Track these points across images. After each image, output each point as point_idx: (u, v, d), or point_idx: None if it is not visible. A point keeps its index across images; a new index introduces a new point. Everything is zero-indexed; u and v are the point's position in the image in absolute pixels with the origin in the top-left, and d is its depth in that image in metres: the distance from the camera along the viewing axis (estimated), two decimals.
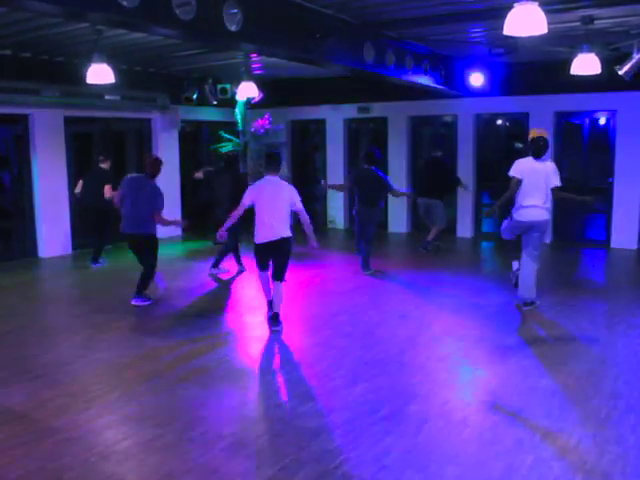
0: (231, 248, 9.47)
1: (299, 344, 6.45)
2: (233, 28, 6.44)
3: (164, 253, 11.85)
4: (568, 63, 8.54)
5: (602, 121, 11.94)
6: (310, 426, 4.43)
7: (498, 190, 13.02)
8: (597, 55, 8.29)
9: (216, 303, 8.18)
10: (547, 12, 5.71)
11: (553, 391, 5.06)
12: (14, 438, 4.30)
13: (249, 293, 8.55)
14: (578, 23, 7.85)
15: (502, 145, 13.04)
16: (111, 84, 8.69)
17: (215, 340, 6.56)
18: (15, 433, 4.38)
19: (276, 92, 13.39)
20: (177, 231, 13.46)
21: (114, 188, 9.28)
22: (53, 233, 11.16)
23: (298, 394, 5.07)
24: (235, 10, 6.40)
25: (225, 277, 9.44)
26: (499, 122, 13.10)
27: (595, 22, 7.83)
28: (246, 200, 6.67)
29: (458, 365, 5.76)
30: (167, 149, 13.14)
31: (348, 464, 3.87)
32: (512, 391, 5.08)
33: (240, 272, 9.61)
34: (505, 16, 5.82)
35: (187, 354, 6.07)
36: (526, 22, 5.59)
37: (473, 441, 4.18)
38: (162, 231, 13.10)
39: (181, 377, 5.43)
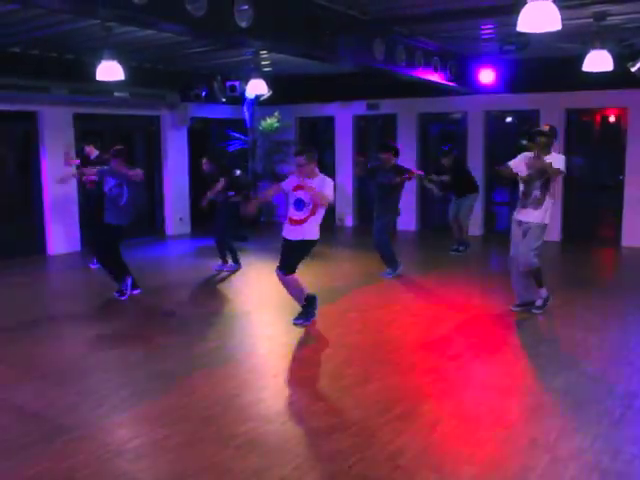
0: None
1: (309, 342, 6.41)
2: (244, 25, 6.44)
3: (172, 250, 11.88)
4: (579, 60, 8.48)
5: (613, 118, 11.86)
6: (322, 425, 4.41)
7: (508, 187, 13.09)
8: (609, 52, 8.23)
9: (225, 301, 8.17)
10: (560, 8, 5.65)
11: (566, 390, 5.01)
12: (25, 437, 4.28)
13: (257, 291, 8.53)
14: (591, 19, 7.79)
15: (512, 142, 12.96)
16: (120, 81, 8.70)
17: (224, 338, 6.54)
18: (26, 432, 4.36)
19: (284, 89, 13.36)
20: (186, 228, 13.49)
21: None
22: (61, 230, 11.18)
23: (309, 393, 5.05)
24: (246, 6, 6.39)
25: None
26: (509, 119, 13.04)
27: (608, 18, 7.78)
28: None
29: (470, 364, 5.71)
30: (176, 146, 13.16)
31: (362, 464, 3.83)
32: (525, 390, 5.04)
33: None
34: (516, 12, 5.78)
35: (197, 352, 6.05)
36: (540, 18, 5.54)
37: (488, 440, 4.14)
38: (170, 227, 13.20)
39: (191, 375, 5.41)
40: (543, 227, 6.89)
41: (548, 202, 6.83)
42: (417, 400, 4.82)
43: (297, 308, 6.91)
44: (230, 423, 4.46)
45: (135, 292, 8.05)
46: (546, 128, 6.80)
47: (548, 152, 6.78)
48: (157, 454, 4.05)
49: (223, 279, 9.21)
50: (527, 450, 3.99)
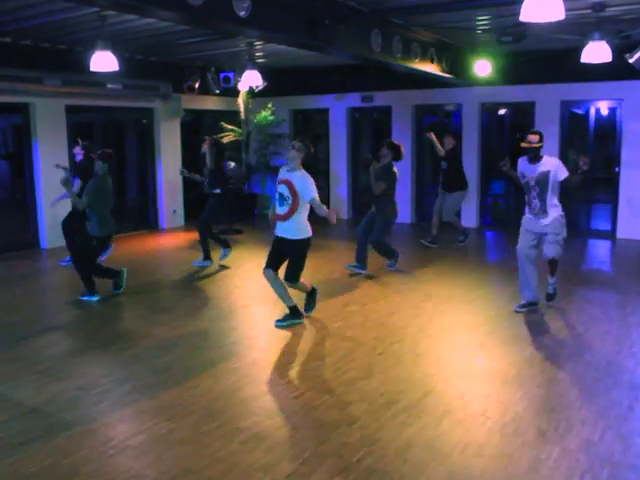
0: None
1: (310, 336, 6.36)
2: (242, 14, 6.35)
3: (167, 243, 11.78)
4: (575, 51, 8.43)
5: (609, 110, 11.84)
6: (328, 419, 4.35)
7: (502, 179, 13.06)
8: (607, 43, 8.18)
9: (223, 294, 8.10)
10: None
11: (572, 382, 4.99)
12: (26, 433, 4.20)
13: (257, 285, 8.46)
14: (589, 10, 7.75)
15: (507, 135, 12.95)
16: (113, 73, 8.60)
17: (224, 332, 6.48)
18: (27, 428, 4.29)
19: (278, 81, 13.24)
20: (180, 221, 13.39)
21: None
22: (55, 224, 11.03)
23: (313, 386, 4.98)
24: None
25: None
26: (504, 111, 12.99)
27: (606, 9, 7.74)
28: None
29: (473, 356, 5.68)
30: (169, 138, 13.03)
31: (371, 457, 3.78)
32: (531, 382, 5.00)
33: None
34: (513, 3, 5.72)
35: (196, 346, 5.98)
36: (543, 8, 5.48)
37: (496, 433, 4.10)
38: (163, 220, 13.09)
39: (192, 369, 5.35)
40: (563, 222, 6.73)
41: (553, 205, 6.68)
42: (422, 393, 4.78)
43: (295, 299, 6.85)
44: (234, 417, 4.40)
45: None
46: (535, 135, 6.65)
47: (540, 156, 6.67)
48: (161, 449, 3.98)
49: (219, 272, 9.13)
50: (537, 442, 3.95)
